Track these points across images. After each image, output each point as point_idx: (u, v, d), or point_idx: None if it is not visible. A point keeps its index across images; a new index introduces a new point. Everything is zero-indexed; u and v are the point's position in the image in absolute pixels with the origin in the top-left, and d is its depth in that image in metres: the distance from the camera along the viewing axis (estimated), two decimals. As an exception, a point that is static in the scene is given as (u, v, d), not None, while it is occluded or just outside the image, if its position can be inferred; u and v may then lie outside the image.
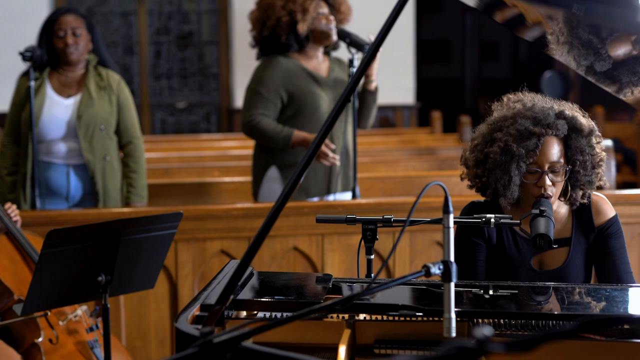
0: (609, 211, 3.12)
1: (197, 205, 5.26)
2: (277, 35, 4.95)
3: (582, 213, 3.11)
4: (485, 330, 1.34)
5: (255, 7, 5.07)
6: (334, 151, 4.93)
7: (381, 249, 4.81)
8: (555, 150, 3.00)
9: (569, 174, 3.02)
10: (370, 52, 2.39)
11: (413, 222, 2.85)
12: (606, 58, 2.32)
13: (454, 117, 9.47)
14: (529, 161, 2.98)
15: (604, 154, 3.10)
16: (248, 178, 5.77)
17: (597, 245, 3.09)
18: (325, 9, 4.96)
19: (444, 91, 14.39)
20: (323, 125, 2.32)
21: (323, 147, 4.70)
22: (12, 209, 3.95)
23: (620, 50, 2.33)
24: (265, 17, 4.95)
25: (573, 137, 3.02)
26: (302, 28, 4.89)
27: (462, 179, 3.22)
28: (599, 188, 3.16)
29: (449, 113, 11.00)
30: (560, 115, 3.02)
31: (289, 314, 2.04)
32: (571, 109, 3.07)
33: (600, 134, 3.10)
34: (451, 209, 2.20)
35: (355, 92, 4.92)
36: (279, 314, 2.47)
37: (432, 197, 4.37)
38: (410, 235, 4.81)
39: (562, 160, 3.00)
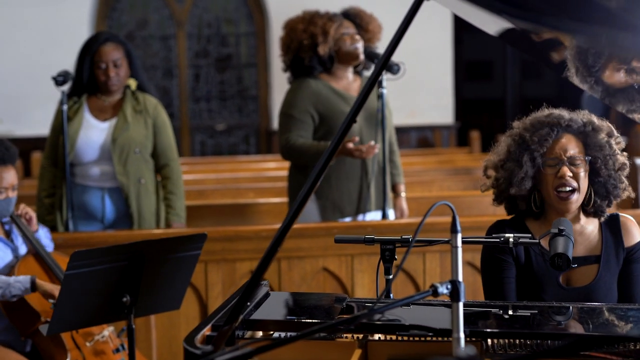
0: (637, 235, 3.10)
1: (230, 226, 5.28)
2: (300, 58, 4.98)
3: (612, 231, 3.08)
4: (468, 350, 1.34)
5: (283, 32, 5.12)
6: (367, 175, 4.93)
7: (411, 270, 4.79)
8: (572, 144, 3.04)
9: (591, 174, 3.03)
10: (382, 61, 2.39)
11: (428, 242, 2.85)
12: (594, 86, 2.33)
13: (495, 137, 9.40)
14: (542, 150, 3.00)
15: (626, 159, 3.10)
16: (283, 199, 5.79)
17: (622, 266, 3.07)
18: (350, 29, 4.97)
19: (486, 110, 14.32)
20: (334, 137, 2.34)
21: (348, 145, 4.63)
22: (22, 207, 4.00)
23: (614, 79, 2.33)
24: (289, 40, 5.00)
25: (591, 135, 3.05)
26: (323, 50, 4.91)
27: (482, 190, 3.23)
28: (635, 206, 3.14)
29: (490, 133, 10.93)
30: (576, 116, 3.07)
31: (294, 334, 2.04)
32: (587, 116, 3.10)
33: (618, 135, 3.10)
34: (459, 228, 2.21)
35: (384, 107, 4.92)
36: (294, 334, 2.48)
37: (464, 217, 4.33)
38: (440, 255, 4.79)
39: (581, 156, 3.02)
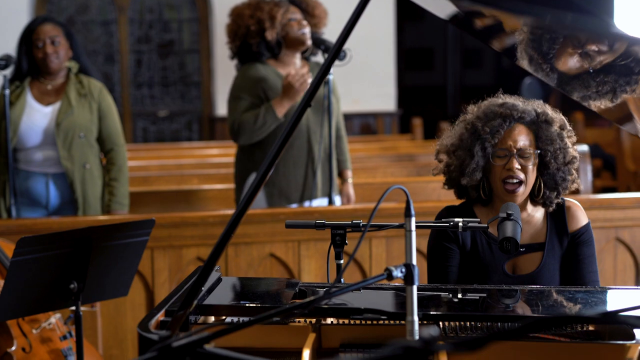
0: (583, 218, 3.14)
1: (176, 212, 5.26)
2: (248, 44, 4.97)
3: (557, 218, 3.13)
4: (431, 330, 1.35)
5: (229, 19, 5.10)
6: (313, 161, 4.95)
7: (358, 255, 4.82)
8: (523, 136, 3.05)
9: (540, 166, 3.05)
10: (333, 52, 2.39)
11: (378, 227, 2.86)
12: (549, 73, 2.36)
13: (436, 124, 9.51)
14: (494, 141, 3.02)
15: (576, 152, 3.13)
16: (227, 185, 5.78)
17: (568, 251, 3.11)
18: (297, 15, 4.98)
19: (427, 98, 14.43)
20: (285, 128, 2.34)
21: (290, 78, 4.75)
22: None
23: (568, 66, 2.36)
24: (236, 27, 4.99)
25: (543, 127, 3.06)
26: (271, 35, 4.91)
27: (434, 174, 3.24)
28: (575, 192, 3.18)
29: (432, 120, 11.03)
30: (529, 107, 3.09)
31: (249, 318, 2.05)
32: (542, 106, 3.12)
33: (571, 128, 3.14)
34: (412, 212, 2.22)
35: (331, 95, 4.95)
36: (246, 319, 2.48)
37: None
38: (386, 241, 4.82)
39: (531, 149, 3.04)
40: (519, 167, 3.02)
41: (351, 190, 5.29)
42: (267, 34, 4.90)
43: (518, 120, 3.05)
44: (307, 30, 4.95)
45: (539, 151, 3.04)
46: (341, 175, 5.29)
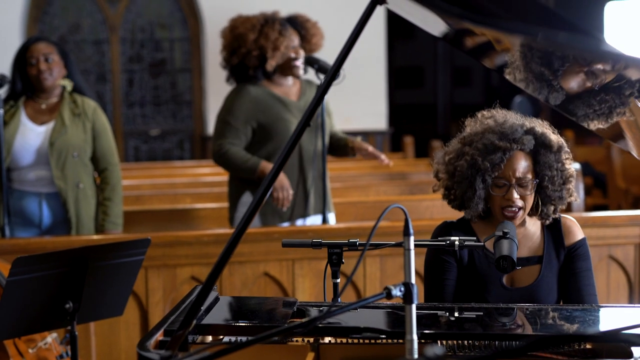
0: (579, 233, 3.16)
1: (169, 232, 5.25)
2: (245, 66, 4.96)
3: (554, 232, 3.15)
4: (436, 350, 1.36)
5: (228, 28, 5.06)
6: (305, 179, 4.96)
7: (352, 273, 4.82)
8: (522, 165, 3.05)
9: (537, 189, 3.06)
10: (331, 73, 2.41)
11: (375, 246, 2.87)
12: (559, 89, 2.37)
13: (427, 142, 9.55)
14: (494, 174, 3.03)
15: (573, 169, 3.15)
16: (220, 204, 5.78)
17: (565, 264, 3.14)
18: (295, 41, 4.97)
19: (417, 116, 14.48)
20: (280, 153, 2.35)
21: (283, 181, 4.80)
22: None
23: (574, 83, 2.37)
24: (236, 45, 4.96)
25: (542, 153, 3.07)
26: (271, 65, 4.91)
27: (434, 190, 3.25)
28: (568, 210, 3.20)
29: (422, 138, 11.07)
30: (529, 131, 3.08)
31: (249, 338, 2.05)
32: (542, 126, 3.13)
33: (569, 150, 3.15)
34: (411, 231, 2.23)
35: (324, 120, 4.96)
36: (244, 339, 2.48)
37: (401, 222, 4.37)
38: (380, 259, 4.83)
39: (529, 176, 3.05)
40: (518, 196, 3.04)
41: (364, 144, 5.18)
42: (268, 65, 4.90)
43: (518, 150, 3.06)
44: (300, 62, 4.96)
45: (537, 180, 3.06)
46: (347, 142, 5.19)
